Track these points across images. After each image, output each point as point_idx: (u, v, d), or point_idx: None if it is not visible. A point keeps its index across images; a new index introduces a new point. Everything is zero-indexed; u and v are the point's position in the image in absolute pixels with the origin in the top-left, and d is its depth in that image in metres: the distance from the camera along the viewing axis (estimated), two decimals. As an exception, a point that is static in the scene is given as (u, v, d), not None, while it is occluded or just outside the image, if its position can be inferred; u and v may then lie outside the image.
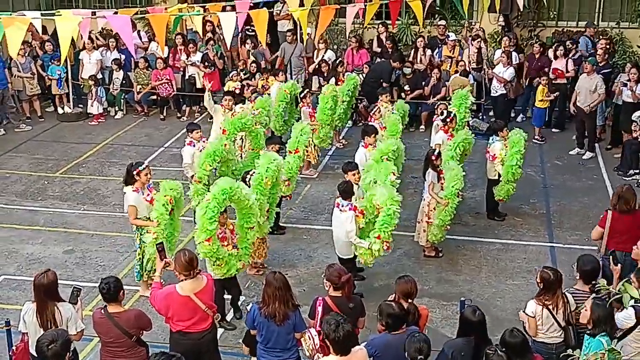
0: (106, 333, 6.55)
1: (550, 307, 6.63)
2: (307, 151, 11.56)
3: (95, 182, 13.06)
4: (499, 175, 10.87)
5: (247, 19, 9.30)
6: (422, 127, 15.22)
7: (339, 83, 14.35)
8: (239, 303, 8.88)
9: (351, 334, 5.72)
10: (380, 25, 16.75)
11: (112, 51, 16.90)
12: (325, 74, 15.34)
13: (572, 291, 6.94)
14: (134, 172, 8.91)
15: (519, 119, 15.53)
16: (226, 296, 8.66)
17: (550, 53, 15.13)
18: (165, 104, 16.57)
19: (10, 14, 7.91)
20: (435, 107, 13.34)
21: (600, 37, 15.87)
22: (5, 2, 18.92)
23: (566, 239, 10.70)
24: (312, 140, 12.40)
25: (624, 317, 6.33)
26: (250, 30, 15.71)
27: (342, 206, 8.72)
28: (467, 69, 15.16)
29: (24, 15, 8.14)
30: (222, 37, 14.14)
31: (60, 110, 16.61)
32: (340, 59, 16.18)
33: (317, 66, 15.92)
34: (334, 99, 12.94)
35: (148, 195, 8.96)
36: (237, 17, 8.64)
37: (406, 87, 15.24)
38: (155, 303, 6.73)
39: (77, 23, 7.76)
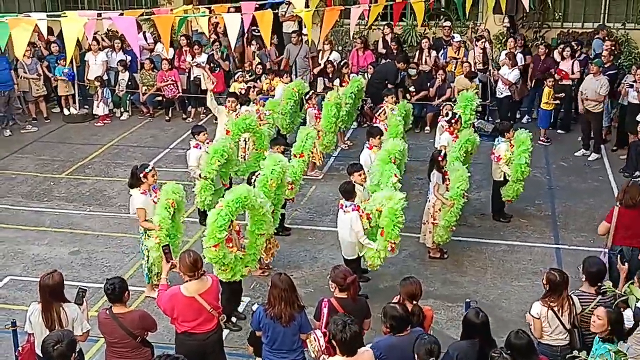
0: (111, 334, 6.57)
1: (556, 308, 6.61)
2: (312, 152, 11.57)
3: (101, 183, 13.08)
4: (505, 177, 10.86)
5: (252, 20, 9.30)
6: (427, 128, 15.21)
7: (343, 84, 14.36)
8: (245, 304, 8.90)
9: (358, 335, 5.71)
10: (386, 27, 16.76)
11: (118, 52, 16.94)
12: (330, 75, 15.35)
13: (578, 293, 6.93)
14: (141, 175, 8.91)
15: (524, 120, 15.52)
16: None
17: (556, 54, 15.11)
18: (171, 105, 16.59)
19: (17, 15, 7.93)
20: (441, 108, 13.32)
21: (606, 38, 15.86)
22: (12, 3, 19.00)
23: (572, 240, 10.68)
24: (317, 145, 12.39)
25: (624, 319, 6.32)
26: (256, 31, 15.73)
27: (345, 207, 8.73)
28: (474, 69, 15.14)
29: (30, 16, 8.15)
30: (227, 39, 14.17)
31: (66, 112, 16.65)
32: (345, 60, 16.19)
33: (322, 67, 15.92)
34: (337, 105, 12.96)
35: (155, 196, 8.97)
36: (242, 18, 8.63)
37: (411, 89, 15.24)
38: (161, 304, 6.75)
39: (82, 24, 7.78)
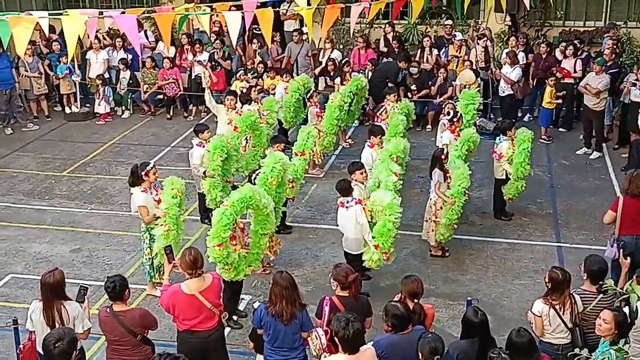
0: (111, 331, 6.57)
1: (557, 307, 6.61)
2: (312, 151, 11.57)
3: (102, 181, 13.09)
4: (506, 175, 10.86)
5: (254, 19, 9.29)
6: (429, 126, 15.20)
7: (344, 83, 14.35)
8: (247, 302, 8.91)
9: (360, 333, 5.71)
10: (387, 25, 16.74)
11: (119, 51, 16.95)
12: (332, 74, 15.34)
13: (579, 292, 6.92)
14: (142, 173, 8.92)
15: (525, 118, 15.51)
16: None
17: (557, 52, 15.10)
18: (172, 104, 16.60)
19: (18, 14, 7.92)
20: (443, 106, 13.32)
21: (599, 38, 15.86)
22: (13, 3, 19.01)
23: (573, 238, 10.67)
24: (317, 144, 12.38)
25: None
26: (257, 29, 15.73)
27: (347, 202, 8.72)
28: (475, 67, 15.13)
29: (32, 14, 8.14)
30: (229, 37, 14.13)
31: (67, 110, 16.66)
32: (346, 58, 16.18)
33: (324, 66, 15.90)
34: (340, 107, 12.96)
35: (156, 194, 8.98)
36: (242, 16, 8.61)
37: (413, 87, 15.23)
38: (162, 302, 6.76)
39: (83, 22, 7.77)
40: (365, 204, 8.80)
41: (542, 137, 14.34)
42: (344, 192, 8.83)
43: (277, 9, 14.38)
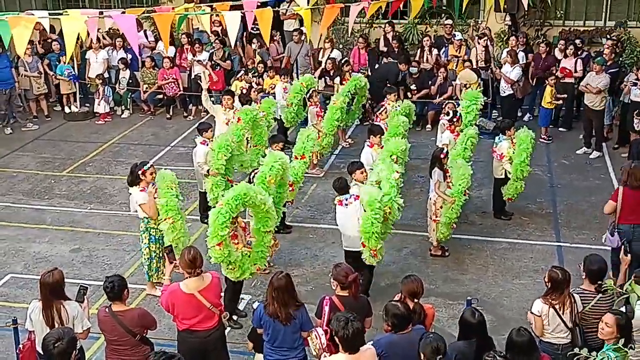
0: (110, 331, 6.56)
1: (557, 306, 6.60)
2: (311, 153, 11.56)
3: (102, 181, 13.09)
4: (506, 174, 10.85)
5: (254, 19, 9.29)
6: (429, 126, 15.20)
7: (343, 82, 14.34)
8: (246, 302, 8.91)
9: (360, 332, 5.70)
10: (387, 25, 16.73)
11: (119, 50, 16.94)
12: (331, 73, 15.33)
13: (578, 291, 6.91)
14: (139, 172, 8.94)
15: (525, 118, 15.50)
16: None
17: (557, 52, 15.09)
18: (172, 103, 16.59)
19: (18, 14, 7.92)
20: (443, 105, 13.31)
21: (608, 36, 15.84)
22: (13, 1, 19.00)
23: (573, 238, 10.67)
24: (315, 144, 12.36)
25: None
26: (254, 29, 15.72)
27: (346, 199, 8.71)
28: (476, 67, 15.12)
29: (32, 14, 8.14)
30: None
31: (67, 110, 16.65)
32: (346, 58, 16.17)
33: (323, 68, 15.88)
34: (341, 109, 12.94)
35: (154, 194, 8.97)
36: (242, 16, 8.61)
37: (413, 87, 15.22)
38: (162, 301, 6.76)
39: (82, 22, 7.77)
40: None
41: (542, 136, 14.33)
42: (341, 190, 8.83)
43: (277, 8, 14.38)
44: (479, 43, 15.49)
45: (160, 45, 17.00)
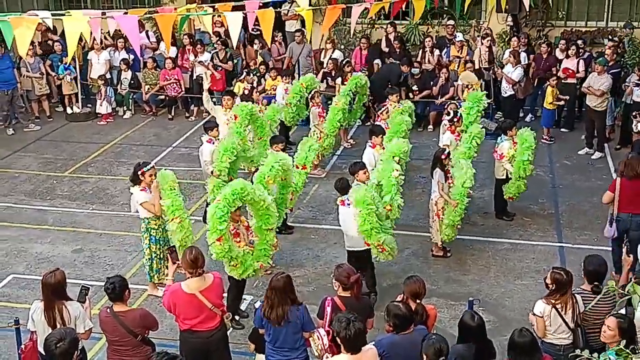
0: (112, 332, 6.56)
1: (559, 307, 6.59)
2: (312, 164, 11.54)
3: (104, 181, 13.09)
4: (507, 175, 10.85)
5: (255, 19, 9.29)
6: (431, 127, 15.19)
7: (345, 83, 14.33)
8: (248, 302, 8.90)
9: (362, 332, 5.70)
10: (389, 26, 16.73)
11: (121, 51, 16.95)
12: (333, 74, 15.33)
13: (579, 291, 6.90)
14: (139, 172, 8.95)
15: (527, 118, 15.48)
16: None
17: (558, 53, 15.08)
18: (174, 104, 16.60)
19: (20, 14, 7.92)
20: (445, 106, 13.30)
21: (610, 36, 15.83)
22: (15, 2, 19.01)
23: (575, 238, 10.66)
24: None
25: None
26: (255, 30, 15.72)
27: (348, 199, 8.71)
28: (479, 67, 15.10)
29: (36, 15, 8.14)
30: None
31: (69, 110, 16.66)
32: (347, 58, 16.17)
33: (325, 66, 15.88)
34: (343, 111, 12.92)
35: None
36: (244, 16, 8.60)
37: (414, 87, 15.22)
38: (164, 301, 6.76)
39: (84, 23, 7.77)
40: None
41: (544, 137, 14.33)
42: (343, 190, 8.83)
43: (279, 9, 14.37)
44: (482, 43, 15.49)
45: (162, 46, 17.00)
